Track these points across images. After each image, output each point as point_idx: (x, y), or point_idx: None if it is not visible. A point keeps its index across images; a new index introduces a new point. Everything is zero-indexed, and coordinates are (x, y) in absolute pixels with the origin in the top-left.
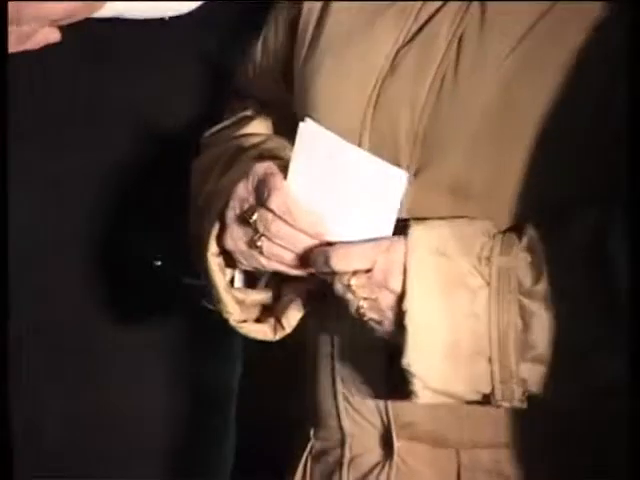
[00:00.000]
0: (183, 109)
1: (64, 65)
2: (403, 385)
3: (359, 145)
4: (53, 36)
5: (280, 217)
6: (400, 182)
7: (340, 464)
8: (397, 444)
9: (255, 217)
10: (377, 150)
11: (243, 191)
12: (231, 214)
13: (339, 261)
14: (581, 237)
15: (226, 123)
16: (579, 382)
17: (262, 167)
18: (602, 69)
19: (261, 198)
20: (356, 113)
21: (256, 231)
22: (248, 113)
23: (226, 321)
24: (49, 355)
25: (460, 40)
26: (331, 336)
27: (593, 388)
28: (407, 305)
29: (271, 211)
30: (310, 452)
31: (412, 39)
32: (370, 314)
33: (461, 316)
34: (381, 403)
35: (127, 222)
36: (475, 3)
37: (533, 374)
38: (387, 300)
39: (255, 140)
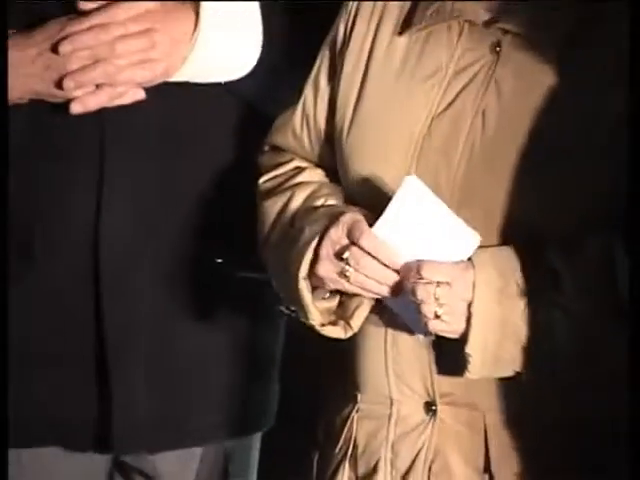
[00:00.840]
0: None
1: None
2: (450, 364)
3: None
4: (139, 95)
5: (369, 254)
6: (473, 242)
7: (387, 422)
8: (439, 408)
9: (347, 255)
10: (431, 183)
11: (335, 235)
12: (324, 251)
13: (428, 272)
14: (592, 252)
15: (280, 171)
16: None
17: (349, 217)
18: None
19: (353, 239)
20: (399, 172)
21: (347, 264)
22: (298, 164)
23: (303, 323)
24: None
25: (483, 113)
26: (385, 326)
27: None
28: (474, 310)
29: (362, 249)
30: (357, 412)
31: (444, 111)
32: (444, 316)
33: (508, 319)
34: (427, 377)
35: (199, 229)
36: (492, 84)
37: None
38: (460, 306)
39: (319, 187)
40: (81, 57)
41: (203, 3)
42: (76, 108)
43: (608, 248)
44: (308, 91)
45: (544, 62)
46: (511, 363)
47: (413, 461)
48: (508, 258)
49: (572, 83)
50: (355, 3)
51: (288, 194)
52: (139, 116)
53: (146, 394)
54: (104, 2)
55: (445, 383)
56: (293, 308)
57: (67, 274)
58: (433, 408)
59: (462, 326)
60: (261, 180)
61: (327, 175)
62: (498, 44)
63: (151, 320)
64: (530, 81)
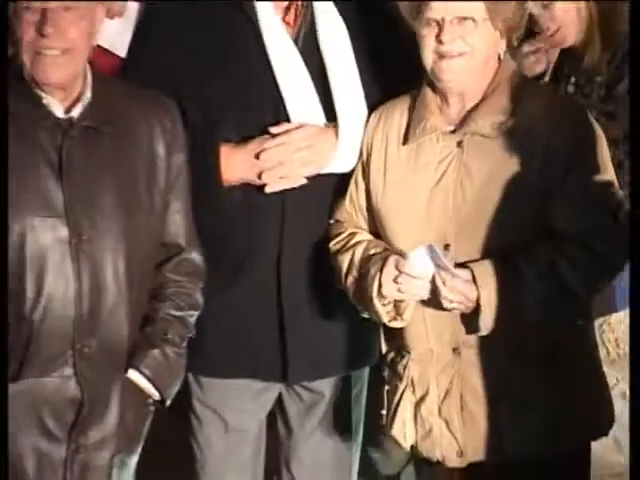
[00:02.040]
0: None
1: None
2: (468, 327)
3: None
4: (303, 181)
5: (409, 275)
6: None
7: (431, 363)
8: (462, 351)
9: (400, 279)
10: (437, 232)
11: (388, 269)
12: (385, 279)
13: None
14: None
15: (341, 237)
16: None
17: (394, 257)
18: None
19: (400, 269)
20: (415, 225)
21: (400, 284)
22: (351, 231)
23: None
24: None
25: (461, 183)
26: (423, 309)
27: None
28: (482, 302)
29: (406, 274)
30: (412, 360)
31: (435, 186)
32: (456, 306)
33: (503, 301)
34: (453, 334)
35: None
36: (462, 165)
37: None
38: (468, 301)
39: (368, 243)
40: (272, 161)
41: (341, 131)
42: (270, 189)
43: (550, 253)
44: (352, 187)
45: (491, 146)
46: (503, 326)
47: (449, 384)
48: (491, 266)
49: (511, 157)
50: (367, 138)
51: (352, 251)
52: (304, 192)
53: (310, 342)
54: (285, 127)
55: (463, 336)
56: (367, 315)
57: (261, 279)
58: (458, 352)
59: (469, 310)
60: (331, 244)
61: (369, 233)
62: (461, 142)
63: (308, 300)
64: (485, 159)
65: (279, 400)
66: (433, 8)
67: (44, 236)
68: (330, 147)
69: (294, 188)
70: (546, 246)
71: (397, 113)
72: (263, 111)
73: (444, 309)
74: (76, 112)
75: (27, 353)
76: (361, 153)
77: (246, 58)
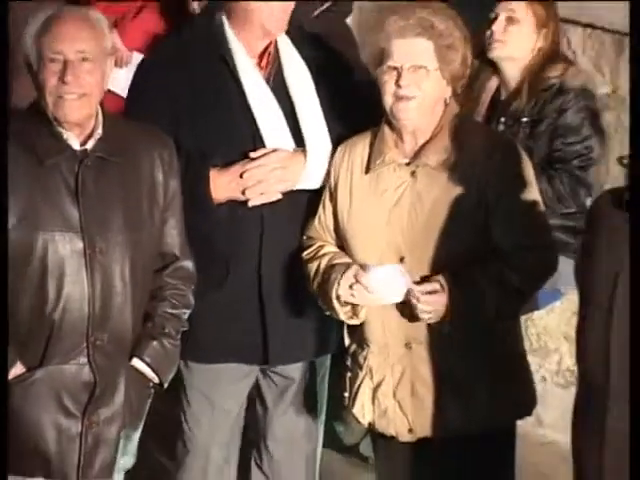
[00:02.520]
0: None
1: None
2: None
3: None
4: (279, 196)
5: (364, 286)
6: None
7: (388, 355)
8: (413, 346)
9: (355, 287)
10: (394, 247)
11: (347, 277)
12: (343, 284)
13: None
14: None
15: (312, 249)
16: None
17: (354, 267)
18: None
19: (357, 278)
20: (376, 241)
21: (353, 290)
22: (320, 244)
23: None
24: None
25: (414, 206)
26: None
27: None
28: (452, 308)
29: (361, 284)
30: (371, 352)
31: (393, 208)
32: (432, 316)
33: (465, 304)
34: (405, 331)
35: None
36: (415, 191)
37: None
38: (441, 309)
39: (334, 255)
40: (252, 180)
41: (308, 154)
42: (252, 203)
43: (496, 263)
44: (320, 210)
45: (438, 177)
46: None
47: (402, 373)
48: (452, 277)
49: (454, 185)
50: (334, 168)
51: (319, 260)
52: (279, 206)
53: (286, 333)
54: (262, 151)
55: (413, 334)
56: (329, 313)
57: (245, 279)
58: (410, 346)
59: (439, 319)
60: (303, 254)
61: (335, 246)
62: (414, 172)
63: (284, 288)
64: (433, 187)
65: (256, 385)
66: (393, 58)
67: (63, 248)
68: (300, 168)
69: (271, 202)
70: (493, 258)
71: (360, 147)
72: (244, 140)
73: (403, 313)
74: (90, 145)
75: (48, 345)
76: (329, 180)
77: (228, 98)
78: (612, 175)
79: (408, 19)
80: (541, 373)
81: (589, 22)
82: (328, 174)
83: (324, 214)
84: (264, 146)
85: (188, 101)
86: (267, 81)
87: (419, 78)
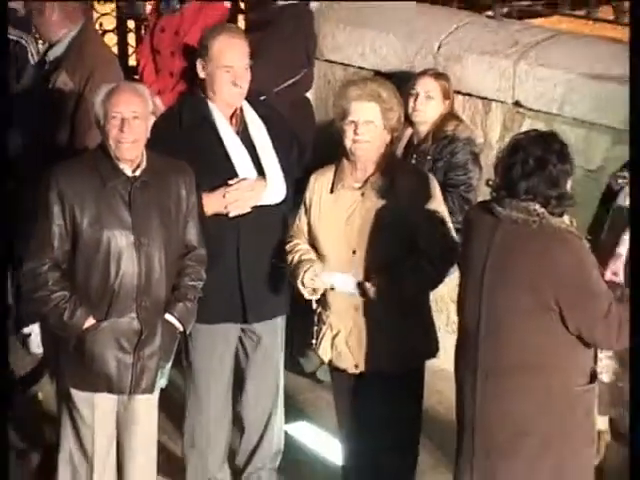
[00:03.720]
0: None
1: None
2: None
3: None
4: (248, 209)
5: (321, 281)
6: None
7: (344, 313)
8: (359, 308)
9: (316, 280)
10: (348, 245)
11: (312, 271)
12: (308, 276)
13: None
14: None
15: (291, 244)
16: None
17: (318, 264)
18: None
19: (317, 274)
20: (336, 243)
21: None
22: (297, 241)
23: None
24: None
25: (364, 218)
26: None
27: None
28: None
29: (320, 279)
30: (331, 310)
31: (348, 219)
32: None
33: (393, 284)
34: (354, 301)
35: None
36: (364, 207)
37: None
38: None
39: (304, 251)
40: (232, 199)
41: (268, 180)
42: (232, 214)
43: (418, 259)
44: (297, 220)
45: (380, 198)
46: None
47: (351, 327)
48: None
49: (391, 205)
50: (309, 189)
51: (294, 254)
52: (250, 216)
53: (259, 298)
54: (237, 179)
55: (358, 302)
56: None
57: (228, 263)
58: (356, 309)
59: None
60: (286, 247)
61: (307, 244)
62: (363, 193)
63: (255, 258)
64: (377, 204)
65: (240, 341)
66: (352, 115)
67: (120, 241)
68: (263, 189)
69: (244, 214)
70: (416, 255)
71: (327, 175)
72: (224, 174)
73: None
74: (138, 172)
75: (110, 305)
76: (304, 198)
77: (212, 148)
78: (483, 192)
79: (363, 89)
80: (437, 325)
81: (467, 91)
82: (303, 193)
83: (300, 221)
84: (237, 176)
85: (187, 152)
86: (237, 133)
87: (369, 129)
